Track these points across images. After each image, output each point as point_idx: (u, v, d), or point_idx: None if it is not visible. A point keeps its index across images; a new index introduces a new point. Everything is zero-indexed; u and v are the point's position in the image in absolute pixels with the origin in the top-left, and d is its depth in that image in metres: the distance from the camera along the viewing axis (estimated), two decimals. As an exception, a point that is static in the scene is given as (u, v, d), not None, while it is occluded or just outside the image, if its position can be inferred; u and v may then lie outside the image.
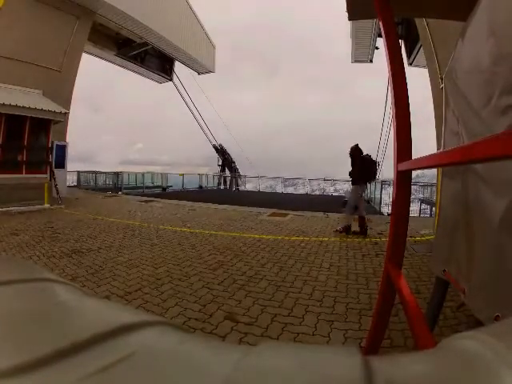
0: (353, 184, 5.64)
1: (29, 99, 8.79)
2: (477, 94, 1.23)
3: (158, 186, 18.06)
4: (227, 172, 25.71)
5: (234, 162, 26.91)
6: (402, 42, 11.23)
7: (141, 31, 15.40)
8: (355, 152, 5.57)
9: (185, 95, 23.02)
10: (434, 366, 0.20)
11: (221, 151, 25.61)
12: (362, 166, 5.45)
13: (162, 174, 18.64)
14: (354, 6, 1.91)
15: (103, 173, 17.81)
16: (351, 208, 5.46)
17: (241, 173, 26.05)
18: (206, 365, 0.20)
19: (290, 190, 22.12)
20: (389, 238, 1.41)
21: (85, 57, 15.09)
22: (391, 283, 1.28)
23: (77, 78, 11.49)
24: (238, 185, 25.21)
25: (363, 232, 5.31)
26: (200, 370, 0.19)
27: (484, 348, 0.19)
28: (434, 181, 9.56)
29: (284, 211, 8.31)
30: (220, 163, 26.41)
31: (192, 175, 21.83)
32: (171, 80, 22.59)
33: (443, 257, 1.65)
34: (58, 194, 8.63)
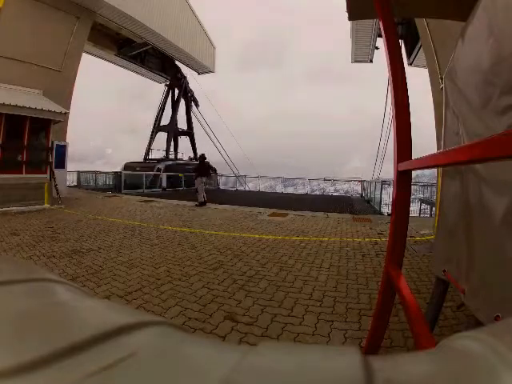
0: (197, 177, 9.78)
1: (29, 99, 8.79)
2: (477, 94, 1.22)
3: (158, 186, 18.00)
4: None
5: (191, 95, 21.71)
6: (402, 42, 11.24)
7: (141, 31, 15.41)
8: (200, 158, 10.29)
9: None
10: (434, 366, 0.20)
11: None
12: (203, 167, 10.11)
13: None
14: (354, 6, 1.92)
15: (103, 173, 17.83)
16: (201, 191, 9.59)
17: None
18: (206, 365, 0.20)
19: (290, 190, 22.05)
20: (389, 238, 1.41)
21: (87, 57, 15.16)
22: (391, 283, 1.28)
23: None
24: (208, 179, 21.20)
25: (203, 203, 9.45)
26: (200, 370, 0.19)
27: (484, 348, 0.19)
28: (434, 181, 9.57)
29: (284, 211, 8.31)
30: (167, 83, 20.23)
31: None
32: (171, 80, 22.57)
33: (443, 257, 1.65)
34: (58, 194, 8.63)
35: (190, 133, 23.15)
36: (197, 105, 23.18)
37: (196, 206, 9.35)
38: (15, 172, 8.56)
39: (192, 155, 22.96)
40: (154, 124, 22.15)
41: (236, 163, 24.25)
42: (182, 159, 22.24)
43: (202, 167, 10.13)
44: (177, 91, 22.32)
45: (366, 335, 1.86)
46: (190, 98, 22.75)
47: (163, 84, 22.33)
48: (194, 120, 23.35)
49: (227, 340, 1.94)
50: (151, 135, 22.22)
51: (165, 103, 22.29)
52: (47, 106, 8.97)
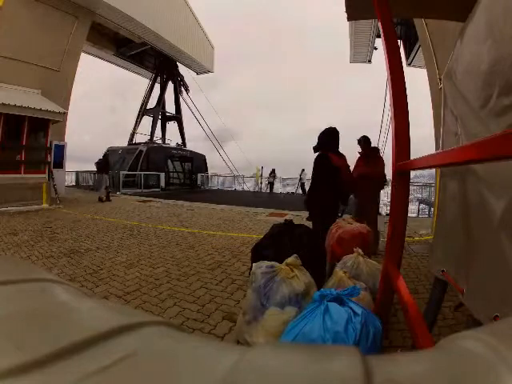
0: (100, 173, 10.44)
1: (27, 99, 8.75)
2: (476, 94, 1.23)
3: (156, 186, 17.90)
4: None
5: None
6: (400, 43, 11.27)
7: (140, 31, 15.39)
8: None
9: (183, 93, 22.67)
10: (433, 366, 0.20)
11: None
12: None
13: (159, 173, 18.46)
14: (353, 7, 1.92)
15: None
16: (101, 188, 10.05)
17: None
18: (205, 365, 0.20)
19: (290, 189, 21.91)
20: (387, 238, 1.41)
21: (84, 57, 15.10)
22: (390, 283, 1.28)
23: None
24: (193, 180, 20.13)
25: (108, 199, 9.86)
26: (199, 370, 0.19)
27: (482, 348, 0.19)
28: (432, 181, 9.59)
29: (282, 211, 8.31)
30: None
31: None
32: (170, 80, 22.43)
33: (442, 257, 1.65)
34: (56, 193, 8.61)
35: (178, 117, 22.29)
36: (187, 90, 22.36)
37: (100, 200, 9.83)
38: (14, 172, 8.53)
39: (180, 141, 22.24)
40: (140, 108, 21.42)
41: (235, 164, 23.91)
42: (169, 144, 21.46)
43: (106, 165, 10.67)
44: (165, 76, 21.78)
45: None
46: (180, 82, 22.07)
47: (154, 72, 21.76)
48: (187, 110, 22.60)
49: (225, 340, 1.94)
50: (136, 119, 21.41)
51: (152, 87, 21.49)
52: (46, 106, 8.94)
